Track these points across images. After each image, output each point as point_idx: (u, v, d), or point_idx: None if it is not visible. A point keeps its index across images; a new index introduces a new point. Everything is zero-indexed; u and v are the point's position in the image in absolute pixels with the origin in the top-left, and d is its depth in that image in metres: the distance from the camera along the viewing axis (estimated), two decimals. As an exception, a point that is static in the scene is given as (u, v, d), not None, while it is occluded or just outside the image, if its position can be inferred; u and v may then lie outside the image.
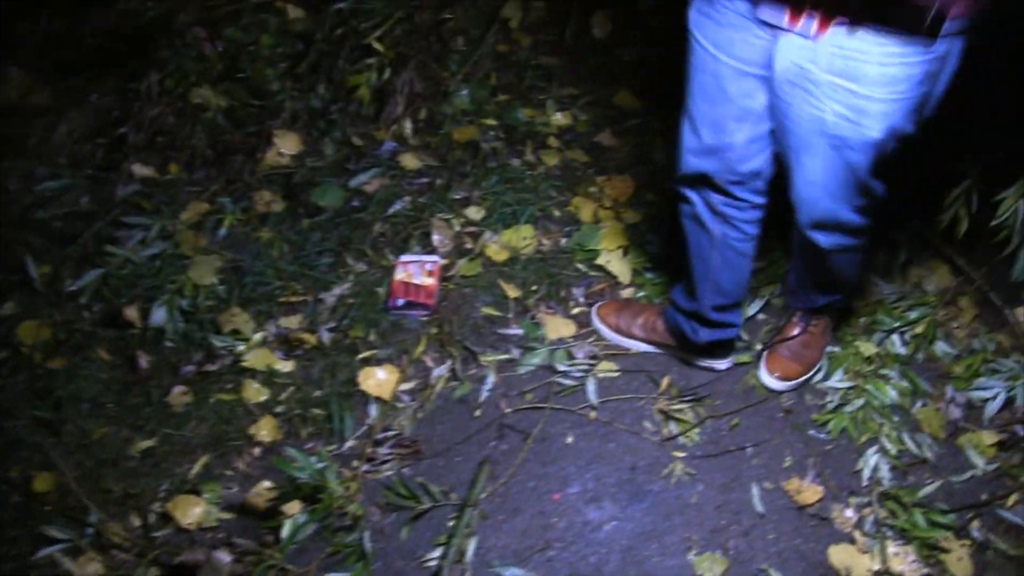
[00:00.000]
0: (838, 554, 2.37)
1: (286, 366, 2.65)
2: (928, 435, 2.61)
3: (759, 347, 2.70)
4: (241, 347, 2.67)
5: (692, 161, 1.88)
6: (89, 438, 2.52)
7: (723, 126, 1.80)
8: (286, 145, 3.15)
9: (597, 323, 2.72)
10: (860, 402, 2.63)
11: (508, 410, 2.58)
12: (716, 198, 1.95)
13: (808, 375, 2.70)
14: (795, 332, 2.62)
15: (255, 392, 2.59)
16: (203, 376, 2.66)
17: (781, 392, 2.75)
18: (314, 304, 2.80)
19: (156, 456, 2.55)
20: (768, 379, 2.75)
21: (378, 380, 2.63)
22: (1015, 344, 2.78)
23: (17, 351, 2.61)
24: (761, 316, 2.80)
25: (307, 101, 3.20)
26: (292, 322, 2.76)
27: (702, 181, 1.92)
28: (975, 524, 2.42)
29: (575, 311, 2.80)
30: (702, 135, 1.97)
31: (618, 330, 2.66)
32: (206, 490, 2.41)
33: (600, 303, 2.75)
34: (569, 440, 2.53)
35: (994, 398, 2.67)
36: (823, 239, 1.91)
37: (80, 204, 3.03)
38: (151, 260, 2.84)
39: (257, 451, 2.51)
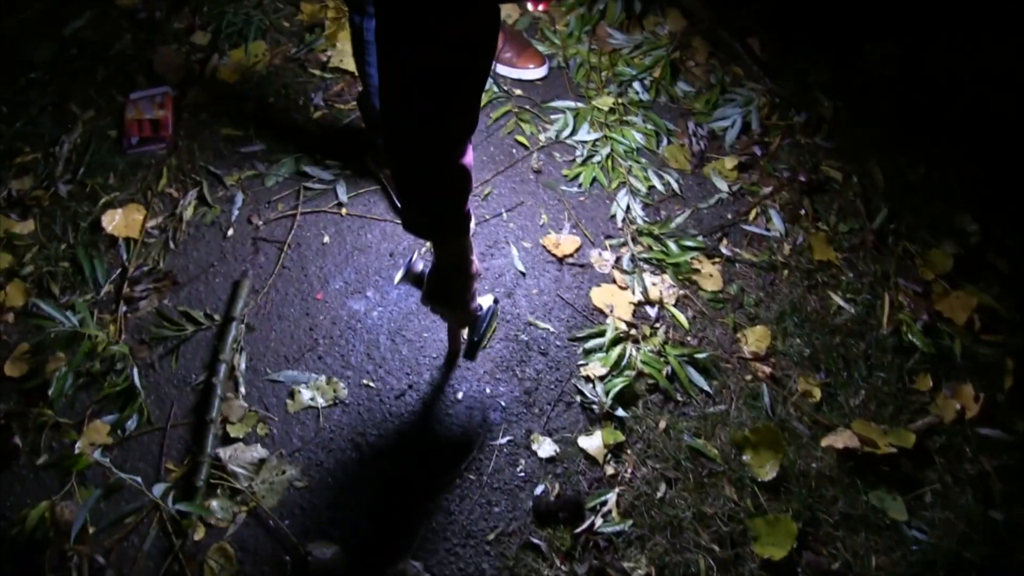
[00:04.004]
0: (600, 295, 2.50)
1: (25, 227, 2.59)
2: (675, 170, 2.76)
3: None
4: (-29, 218, 2.55)
5: None
6: None
7: None
8: (-20, 1, 2.97)
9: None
10: (607, 151, 2.74)
11: (260, 223, 2.59)
12: None
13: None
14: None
15: (-4, 259, 2.51)
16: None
17: (545, 77, 3.04)
18: (44, 160, 2.69)
19: None
20: (531, 72, 3.02)
21: (123, 221, 2.58)
22: (748, 73, 2.94)
23: None
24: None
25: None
26: (24, 183, 2.70)
27: None
28: (723, 243, 2.61)
29: (316, 115, 2.79)
30: None
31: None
32: (-40, 366, 2.32)
33: None
34: (326, 240, 2.58)
35: (732, 125, 2.81)
36: None
37: None
38: None
39: (10, 317, 2.45)
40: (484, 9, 1.32)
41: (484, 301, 2.01)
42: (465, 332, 2.15)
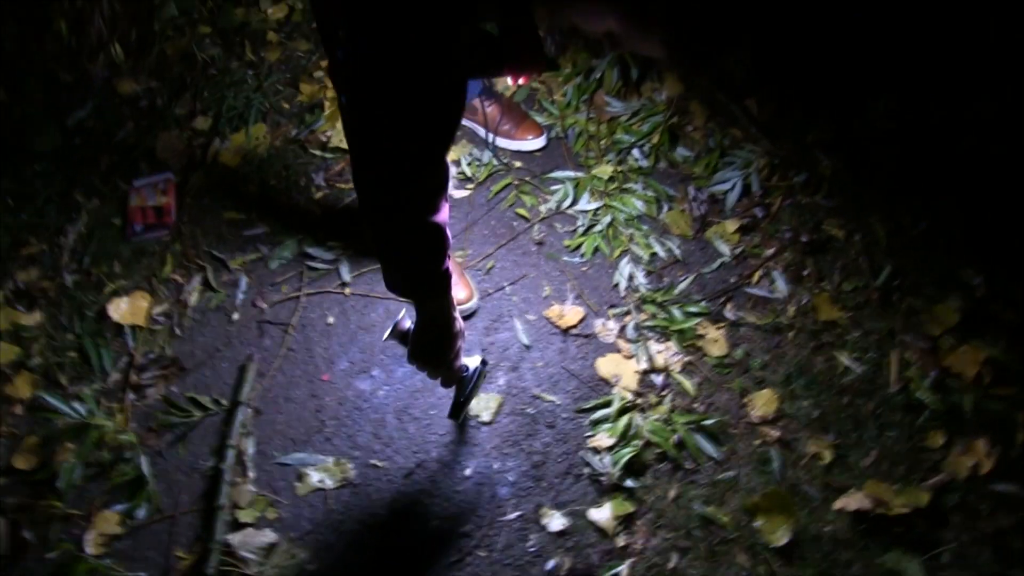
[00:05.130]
0: (605, 365, 2.56)
1: (32, 319, 2.67)
2: (677, 236, 2.83)
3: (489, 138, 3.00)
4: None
5: None
6: None
7: None
8: (-16, 95, 3.09)
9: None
10: (608, 220, 2.81)
11: (265, 306, 2.65)
12: None
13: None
14: (493, 108, 3.01)
15: (4, 352, 2.59)
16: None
17: (544, 147, 3.09)
18: (51, 250, 2.78)
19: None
20: (530, 144, 3.09)
21: (129, 309, 2.66)
22: (747, 135, 3.01)
23: None
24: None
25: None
26: (31, 274, 2.77)
27: None
28: (728, 307, 2.67)
29: (318, 196, 2.87)
30: None
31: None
32: (-31, 462, 2.36)
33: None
34: (330, 320, 2.65)
35: (733, 188, 2.88)
36: None
37: None
38: None
39: (19, 409, 2.51)
40: (451, 81, 1.43)
41: (471, 361, 2.06)
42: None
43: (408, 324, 1.94)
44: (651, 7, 1.19)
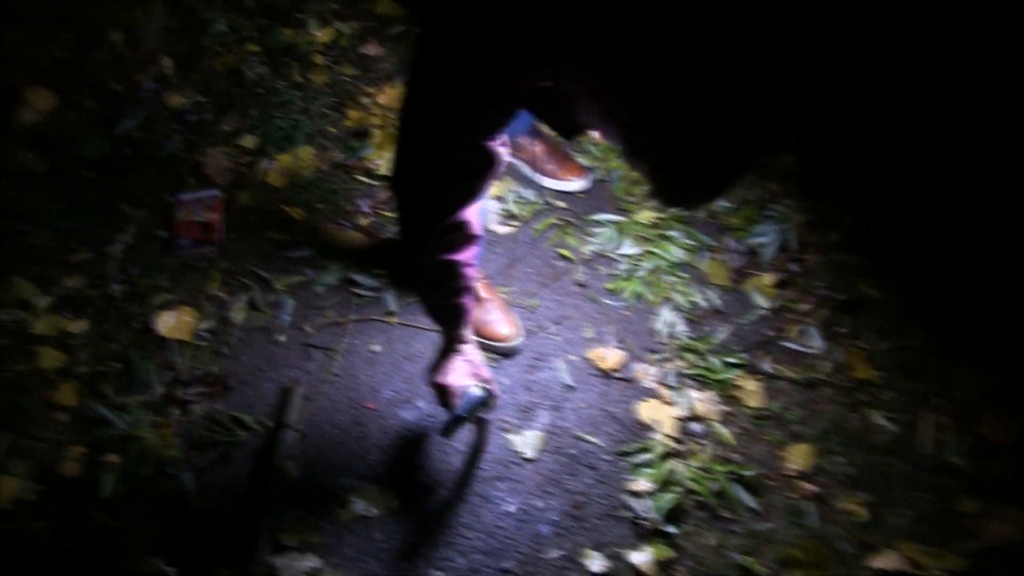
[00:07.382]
0: (646, 410, 2.56)
1: (78, 326, 2.63)
2: (716, 285, 2.83)
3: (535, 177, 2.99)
4: (27, 315, 2.66)
5: None
6: None
7: None
8: (38, 102, 3.06)
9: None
10: (650, 265, 2.83)
11: (311, 330, 2.64)
12: None
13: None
14: (539, 148, 3.04)
15: (50, 358, 2.57)
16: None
17: (582, 190, 3.08)
18: (98, 259, 2.76)
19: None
20: (573, 184, 3.09)
21: (175, 323, 2.63)
22: (785, 190, 3.03)
23: None
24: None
25: (52, 51, 3.11)
26: (78, 281, 2.73)
27: None
28: (765, 359, 2.67)
29: (363, 223, 2.87)
30: None
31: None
32: (15, 467, 2.45)
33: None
34: (376, 348, 2.63)
35: (770, 242, 2.90)
36: None
37: None
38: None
39: (63, 416, 2.48)
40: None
41: (475, 389, 2.10)
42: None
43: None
44: (639, 140, 1.13)
